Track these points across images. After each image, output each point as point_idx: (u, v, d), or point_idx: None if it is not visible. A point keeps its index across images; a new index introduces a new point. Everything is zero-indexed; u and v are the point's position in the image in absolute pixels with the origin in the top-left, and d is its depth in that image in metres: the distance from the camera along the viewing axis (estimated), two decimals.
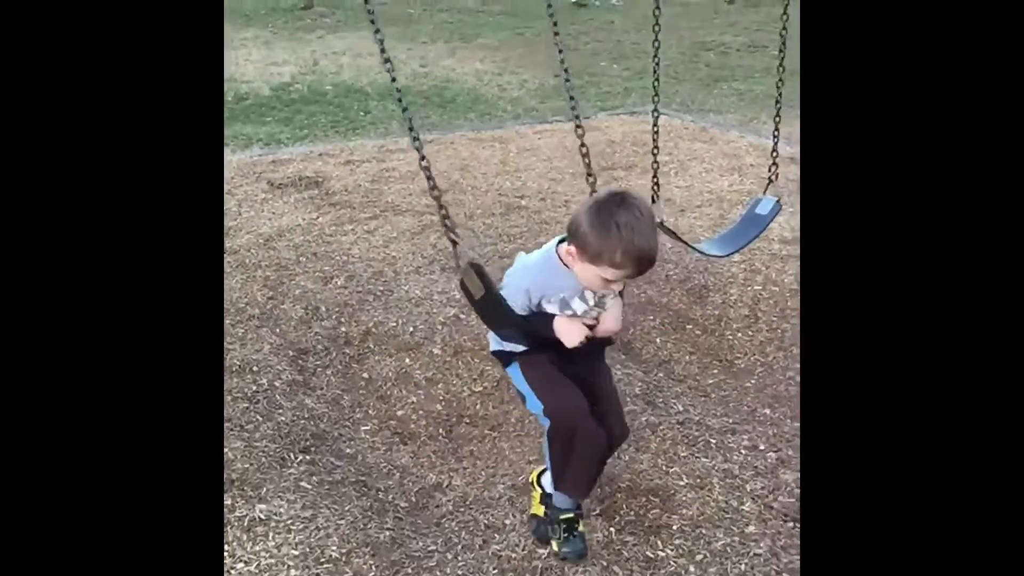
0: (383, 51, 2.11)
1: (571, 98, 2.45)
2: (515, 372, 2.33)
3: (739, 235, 3.46)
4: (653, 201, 3.17)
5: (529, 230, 5.20)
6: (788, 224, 5.07)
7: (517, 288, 2.15)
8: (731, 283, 4.50)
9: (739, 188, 5.91)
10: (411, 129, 2.07)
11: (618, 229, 1.96)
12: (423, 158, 2.07)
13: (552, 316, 2.16)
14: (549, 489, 2.53)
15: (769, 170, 3.45)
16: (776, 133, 3.47)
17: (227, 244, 4.95)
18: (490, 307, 2.00)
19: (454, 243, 1.97)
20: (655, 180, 3.19)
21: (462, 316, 4.12)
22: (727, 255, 3.48)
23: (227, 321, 4.06)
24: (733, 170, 6.31)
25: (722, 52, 11.34)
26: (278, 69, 10.10)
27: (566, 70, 2.42)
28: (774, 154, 3.45)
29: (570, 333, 2.13)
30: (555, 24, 2.50)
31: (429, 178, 2.02)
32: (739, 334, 4.02)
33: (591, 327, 2.21)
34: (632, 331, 4.02)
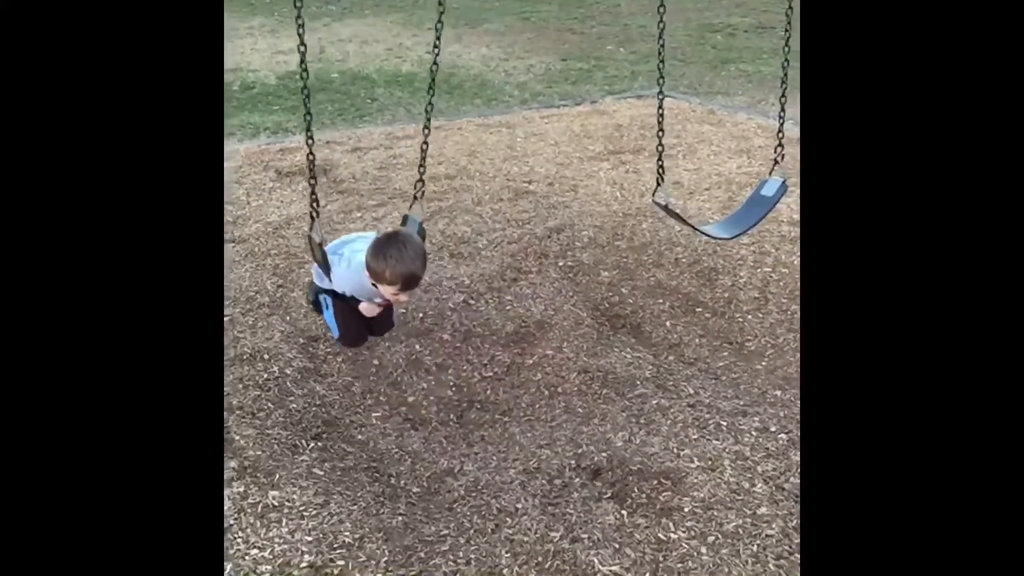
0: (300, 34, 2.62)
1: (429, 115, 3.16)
2: (327, 302, 3.23)
3: (746, 216, 3.45)
4: (658, 184, 3.17)
5: (537, 215, 5.19)
6: (797, 205, 5.05)
7: (339, 280, 3.02)
8: (741, 265, 4.49)
9: (748, 170, 5.88)
10: (308, 130, 2.79)
11: (386, 259, 2.79)
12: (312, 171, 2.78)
13: (359, 301, 3.11)
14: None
15: (775, 151, 3.43)
16: (782, 114, 3.46)
17: (236, 233, 4.96)
18: (322, 268, 2.98)
19: (313, 219, 2.76)
20: (660, 163, 3.18)
21: (471, 302, 4.14)
22: (734, 237, 3.48)
23: (237, 310, 4.08)
24: (741, 152, 6.28)
25: (729, 33, 11.26)
26: (284, 57, 10.07)
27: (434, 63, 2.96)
28: (780, 135, 3.44)
29: (369, 311, 3.11)
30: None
31: (313, 177, 2.78)
32: (749, 316, 4.02)
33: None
34: (642, 315, 4.02)
